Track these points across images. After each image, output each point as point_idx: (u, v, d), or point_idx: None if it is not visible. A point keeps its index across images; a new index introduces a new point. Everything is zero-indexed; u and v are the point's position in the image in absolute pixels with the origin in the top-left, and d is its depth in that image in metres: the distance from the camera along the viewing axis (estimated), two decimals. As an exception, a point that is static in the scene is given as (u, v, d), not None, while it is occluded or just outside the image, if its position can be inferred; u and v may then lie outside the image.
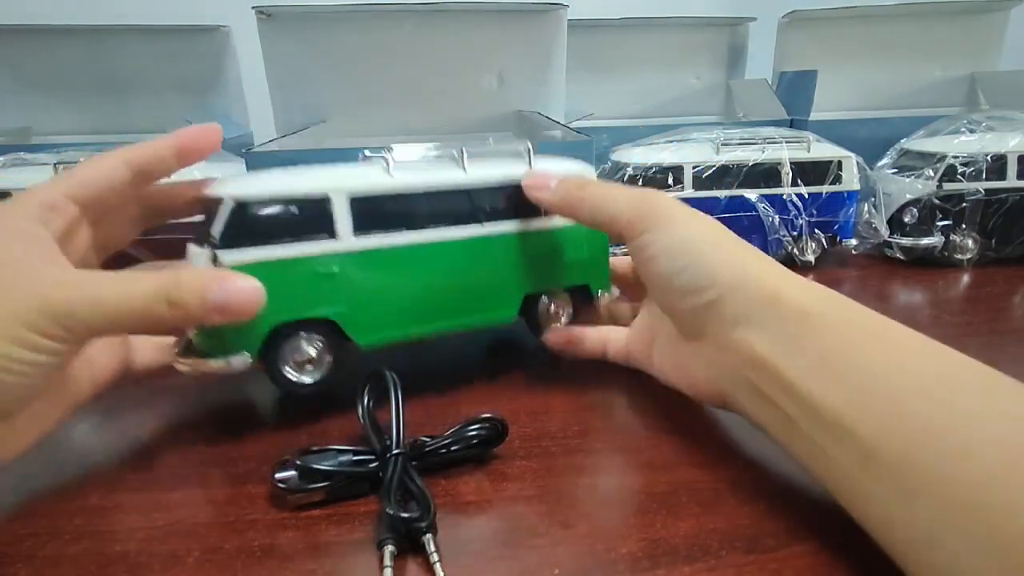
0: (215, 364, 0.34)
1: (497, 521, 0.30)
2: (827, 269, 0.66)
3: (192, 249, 0.36)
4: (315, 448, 0.32)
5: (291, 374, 0.37)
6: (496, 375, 0.44)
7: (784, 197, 0.63)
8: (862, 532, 0.28)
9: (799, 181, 0.63)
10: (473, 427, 0.33)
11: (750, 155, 0.63)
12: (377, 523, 0.29)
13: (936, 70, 0.91)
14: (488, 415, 0.34)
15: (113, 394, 0.43)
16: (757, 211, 0.63)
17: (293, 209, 0.35)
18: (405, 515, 0.28)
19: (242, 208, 0.34)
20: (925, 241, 0.65)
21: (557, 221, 0.42)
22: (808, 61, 0.88)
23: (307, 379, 0.37)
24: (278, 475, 0.31)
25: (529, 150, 0.41)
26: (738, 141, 0.64)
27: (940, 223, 0.64)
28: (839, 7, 0.88)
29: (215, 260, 0.33)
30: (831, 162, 0.64)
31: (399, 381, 0.34)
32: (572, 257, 0.43)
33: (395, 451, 0.31)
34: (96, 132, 0.81)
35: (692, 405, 0.40)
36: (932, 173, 0.63)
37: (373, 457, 0.31)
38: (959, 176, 0.63)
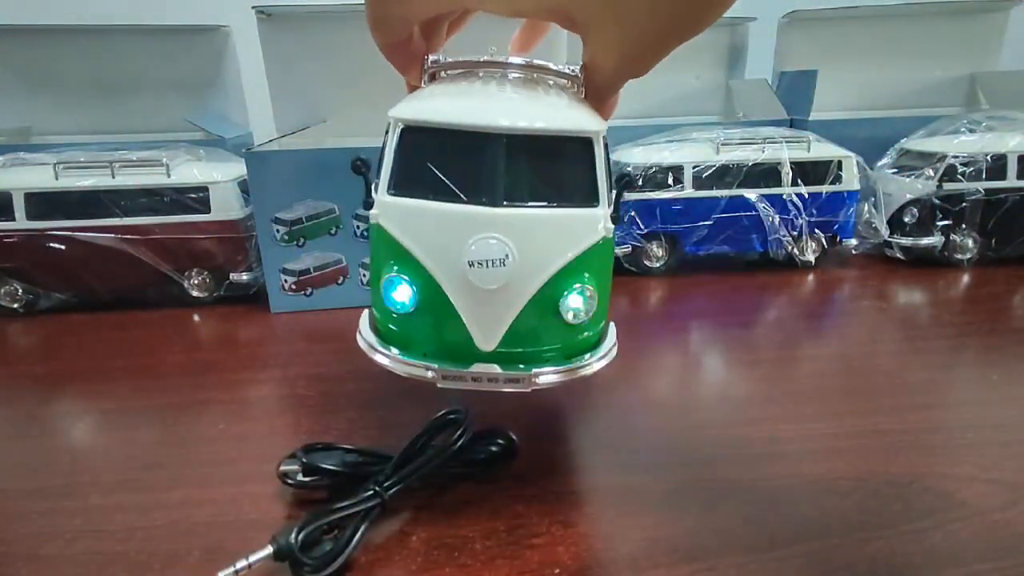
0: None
1: (497, 521, 0.30)
2: (827, 269, 0.66)
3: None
4: (320, 445, 0.32)
5: None
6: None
7: (784, 197, 0.63)
8: (861, 532, 0.28)
9: (799, 181, 0.63)
10: (482, 443, 0.33)
11: (750, 155, 0.62)
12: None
13: (936, 70, 0.91)
14: (500, 432, 0.33)
15: (112, 393, 0.43)
16: (757, 211, 0.62)
17: None
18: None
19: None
20: (925, 241, 0.65)
21: None
22: (808, 61, 0.88)
23: None
24: (283, 467, 0.31)
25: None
26: (738, 141, 0.64)
27: (940, 223, 0.64)
28: (839, 7, 0.88)
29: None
30: (831, 162, 0.64)
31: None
32: None
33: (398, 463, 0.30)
34: (96, 132, 0.81)
35: (692, 407, 0.41)
36: (932, 173, 0.64)
37: (377, 462, 0.31)
38: (959, 176, 0.63)
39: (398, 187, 0.28)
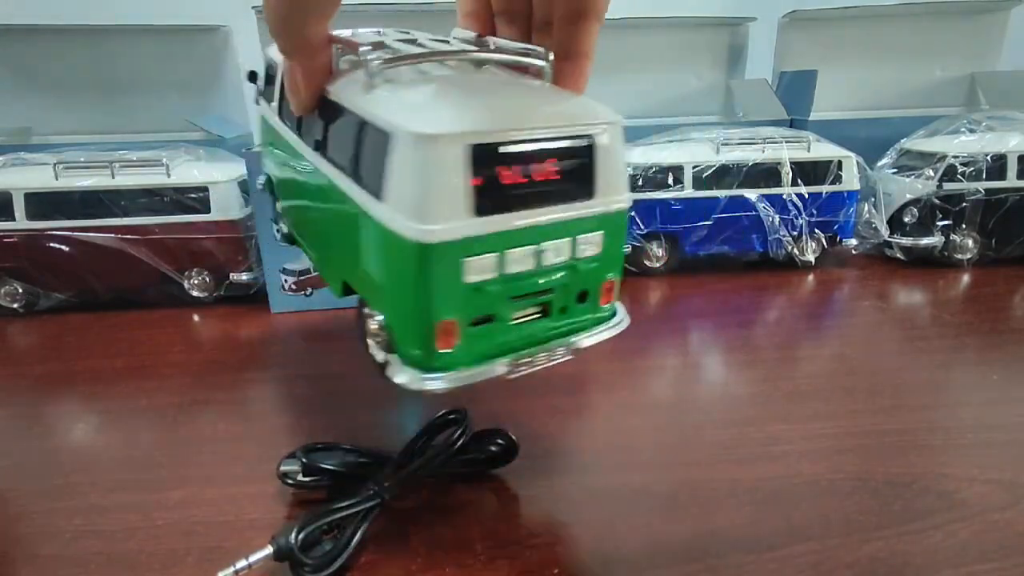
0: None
1: (497, 521, 0.30)
2: (827, 269, 0.66)
3: None
4: (320, 445, 0.32)
5: None
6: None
7: (784, 197, 0.63)
8: (861, 532, 0.28)
9: (799, 181, 0.63)
10: (482, 443, 0.32)
11: (750, 155, 0.62)
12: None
13: (936, 70, 0.91)
14: (500, 432, 0.33)
15: (112, 393, 0.43)
16: (757, 211, 0.63)
17: None
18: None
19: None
20: (925, 241, 0.65)
21: None
22: (808, 61, 0.88)
23: None
24: (283, 467, 0.31)
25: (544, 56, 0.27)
26: (738, 141, 0.64)
27: (940, 223, 0.64)
28: (839, 7, 0.88)
29: None
30: (831, 162, 0.64)
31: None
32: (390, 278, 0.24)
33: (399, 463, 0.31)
34: (96, 132, 0.81)
35: (692, 407, 0.41)
36: (932, 173, 0.64)
37: (377, 462, 0.31)
38: (959, 176, 0.63)
39: None
